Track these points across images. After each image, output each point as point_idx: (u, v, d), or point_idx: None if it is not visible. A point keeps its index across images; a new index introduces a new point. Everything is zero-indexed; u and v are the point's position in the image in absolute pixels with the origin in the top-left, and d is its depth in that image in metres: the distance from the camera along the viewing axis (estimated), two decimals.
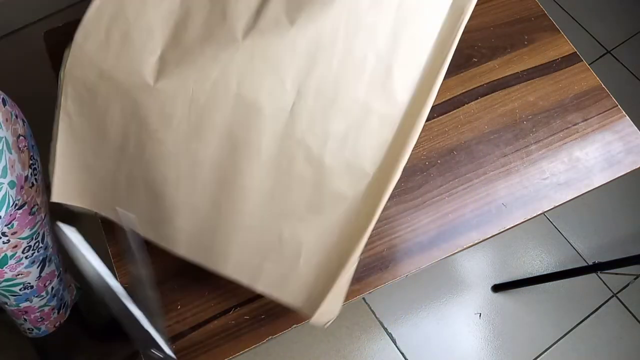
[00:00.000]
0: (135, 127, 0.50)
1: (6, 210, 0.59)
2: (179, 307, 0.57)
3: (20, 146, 0.60)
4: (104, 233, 0.60)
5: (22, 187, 0.60)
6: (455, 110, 0.70)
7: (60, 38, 0.72)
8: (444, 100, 0.70)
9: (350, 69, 0.50)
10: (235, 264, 0.53)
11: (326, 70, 0.49)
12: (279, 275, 0.53)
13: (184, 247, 0.54)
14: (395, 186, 0.64)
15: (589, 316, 1.25)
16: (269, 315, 0.57)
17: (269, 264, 0.53)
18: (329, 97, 0.49)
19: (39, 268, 0.74)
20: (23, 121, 0.63)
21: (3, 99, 0.59)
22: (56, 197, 0.53)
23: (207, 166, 0.50)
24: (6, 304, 0.80)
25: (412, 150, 0.66)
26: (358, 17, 0.50)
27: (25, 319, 0.86)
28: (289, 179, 0.50)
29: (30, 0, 1.50)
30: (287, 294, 0.53)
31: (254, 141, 0.49)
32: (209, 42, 0.49)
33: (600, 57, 1.60)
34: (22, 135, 0.62)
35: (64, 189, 0.53)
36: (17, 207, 0.61)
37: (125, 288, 0.47)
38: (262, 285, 0.53)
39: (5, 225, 0.61)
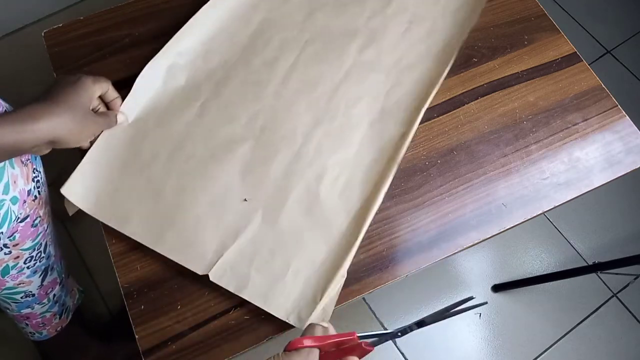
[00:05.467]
0: (169, 149, 0.64)
1: (8, 225, 0.58)
2: (179, 307, 0.57)
3: (22, 160, 0.59)
4: (104, 233, 0.60)
5: (24, 202, 0.59)
6: (455, 110, 0.70)
7: (60, 38, 0.72)
8: (444, 100, 0.70)
9: (346, 128, 0.67)
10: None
11: (328, 128, 0.67)
12: (265, 286, 0.57)
13: (175, 251, 0.58)
14: (396, 186, 0.64)
15: (589, 316, 1.25)
16: (269, 315, 0.56)
17: (256, 274, 0.58)
18: (328, 147, 0.65)
19: (41, 277, 0.74)
20: None
21: (5, 111, 0.57)
22: (65, 191, 0.60)
23: (222, 182, 0.62)
24: (8, 309, 0.80)
25: (412, 150, 0.66)
26: (358, 94, 0.69)
27: (26, 324, 0.86)
28: (289, 203, 0.62)
29: (30, 0, 1.50)
30: (271, 304, 0.57)
31: (266, 168, 0.64)
32: (242, 99, 0.68)
33: (600, 57, 1.60)
34: None
35: (74, 189, 0.60)
36: (19, 220, 0.60)
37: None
38: (248, 294, 0.57)
39: (8, 238, 0.60)
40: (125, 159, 0.63)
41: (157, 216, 0.59)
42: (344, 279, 0.58)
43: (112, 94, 0.62)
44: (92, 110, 0.60)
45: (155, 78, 0.67)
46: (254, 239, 0.59)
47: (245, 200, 0.61)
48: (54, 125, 0.51)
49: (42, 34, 0.72)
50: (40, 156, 0.67)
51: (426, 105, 0.68)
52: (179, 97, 0.67)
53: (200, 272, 0.57)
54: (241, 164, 0.63)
